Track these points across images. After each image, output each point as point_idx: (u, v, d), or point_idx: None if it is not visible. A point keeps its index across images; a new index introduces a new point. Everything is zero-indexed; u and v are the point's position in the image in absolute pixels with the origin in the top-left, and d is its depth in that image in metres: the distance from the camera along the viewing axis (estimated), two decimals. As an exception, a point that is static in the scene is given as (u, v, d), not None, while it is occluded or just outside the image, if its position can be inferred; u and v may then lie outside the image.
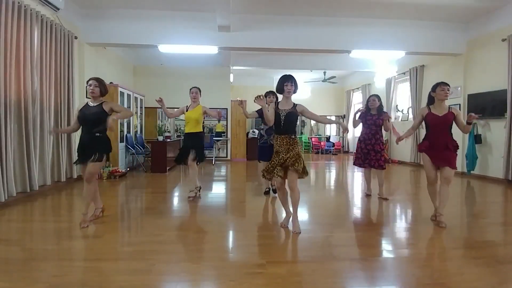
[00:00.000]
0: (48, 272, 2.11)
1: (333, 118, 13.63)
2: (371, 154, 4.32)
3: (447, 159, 3.14)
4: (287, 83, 2.99)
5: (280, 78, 3.07)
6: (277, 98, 3.87)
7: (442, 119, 3.15)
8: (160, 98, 4.15)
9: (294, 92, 3.04)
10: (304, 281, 2.03)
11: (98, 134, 3.08)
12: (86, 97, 3.27)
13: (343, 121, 13.24)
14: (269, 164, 3.07)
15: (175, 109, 4.65)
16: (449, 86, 3.18)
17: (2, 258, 2.34)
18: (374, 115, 4.33)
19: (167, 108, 4.35)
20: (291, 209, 3.11)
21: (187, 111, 4.37)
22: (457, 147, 3.21)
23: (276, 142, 3.05)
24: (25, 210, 3.81)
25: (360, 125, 4.52)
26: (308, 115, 3.10)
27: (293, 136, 3.02)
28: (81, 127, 3.17)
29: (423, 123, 3.35)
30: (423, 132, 3.62)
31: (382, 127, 4.33)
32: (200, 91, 4.45)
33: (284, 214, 3.24)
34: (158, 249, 2.52)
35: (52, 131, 4.19)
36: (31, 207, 3.96)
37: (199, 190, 4.45)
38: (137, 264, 2.26)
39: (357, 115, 4.47)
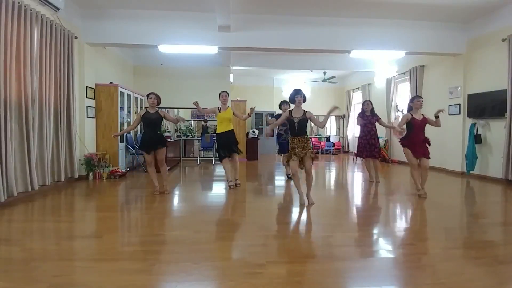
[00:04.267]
0: (48, 272, 2.11)
1: (333, 118, 13.65)
2: (372, 147, 5.50)
3: (425, 152, 4.33)
4: (297, 96, 3.90)
5: (292, 92, 3.99)
6: (289, 106, 4.78)
7: (421, 122, 4.35)
8: (196, 102, 4.93)
9: (304, 102, 3.94)
10: (304, 281, 2.03)
11: (159, 132, 4.58)
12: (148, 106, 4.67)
13: (343, 121, 13.24)
14: (288, 156, 3.99)
15: (207, 108, 5.39)
16: (422, 99, 4.50)
17: (2, 258, 2.34)
18: (369, 116, 5.54)
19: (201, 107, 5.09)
20: (303, 189, 4.04)
21: (219, 112, 5.01)
22: (430, 142, 4.44)
23: (293, 141, 3.94)
24: (25, 210, 3.81)
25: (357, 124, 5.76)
26: (313, 121, 3.98)
27: (306, 136, 3.96)
28: (144, 127, 4.57)
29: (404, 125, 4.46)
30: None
31: (376, 124, 5.52)
32: (228, 94, 5.13)
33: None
34: (158, 249, 2.52)
35: (115, 135, 5.05)
36: (31, 207, 3.96)
37: (235, 184, 5.11)
38: (137, 264, 2.26)
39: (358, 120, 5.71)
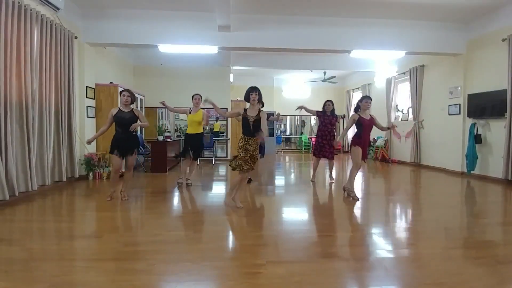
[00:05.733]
0: (48, 272, 2.11)
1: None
2: (326, 147, 5.50)
3: (366, 153, 4.33)
4: (252, 93, 3.66)
5: (247, 89, 3.74)
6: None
7: (369, 122, 4.24)
8: (163, 102, 4.96)
9: (259, 100, 3.69)
10: (304, 281, 2.03)
11: (134, 133, 4.10)
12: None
13: (343, 121, 13.23)
14: (242, 158, 3.65)
15: (179, 108, 5.42)
16: (371, 100, 4.35)
17: (2, 258, 2.34)
18: (329, 116, 5.51)
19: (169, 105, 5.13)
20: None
21: (190, 113, 5.03)
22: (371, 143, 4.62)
23: (246, 142, 3.66)
24: (25, 210, 3.81)
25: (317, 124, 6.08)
26: (262, 121, 3.68)
27: (255, 137, 3.69)
28: (116, 127, 4.06)
29: (354, 125, 4.31)
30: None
31: (335, 126, 5.56)
32: (201, 97, 5.00)
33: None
34: (158, 249, 2.52)
35: (87, 142, 4.23)
36: (31, 207, 3.96)
37: (187, 184, 5.18)
38: (137, 264, 2.26)
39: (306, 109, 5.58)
